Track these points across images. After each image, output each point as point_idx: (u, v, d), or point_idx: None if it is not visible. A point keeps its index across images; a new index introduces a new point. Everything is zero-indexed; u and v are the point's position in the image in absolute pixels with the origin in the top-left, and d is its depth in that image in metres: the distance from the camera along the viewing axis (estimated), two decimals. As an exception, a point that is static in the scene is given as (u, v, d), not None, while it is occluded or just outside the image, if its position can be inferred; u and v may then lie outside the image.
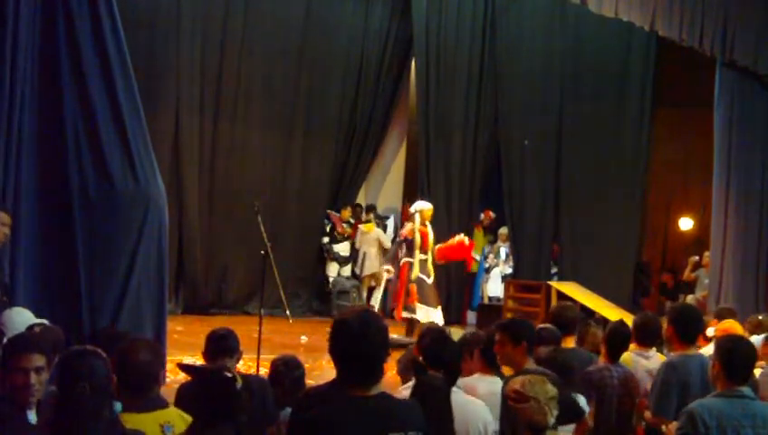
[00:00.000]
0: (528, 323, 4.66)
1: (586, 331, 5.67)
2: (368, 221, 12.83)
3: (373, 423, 2.71)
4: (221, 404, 2.99)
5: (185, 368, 3.39)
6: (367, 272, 12.56)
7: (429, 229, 10.05)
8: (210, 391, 3.03)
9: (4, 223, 5.14)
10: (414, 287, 9.74)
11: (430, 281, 9.96)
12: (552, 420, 3.49)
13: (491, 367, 4.53)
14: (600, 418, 4.81)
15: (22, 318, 4.52)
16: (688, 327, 4.75)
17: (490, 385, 4.32)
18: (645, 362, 5.27)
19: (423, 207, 10.09)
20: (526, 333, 4.51)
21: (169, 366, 6.75)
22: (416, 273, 9.79)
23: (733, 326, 5.58)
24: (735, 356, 3.82)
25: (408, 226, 9.99)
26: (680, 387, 4.52)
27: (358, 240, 12.78)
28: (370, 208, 13.26)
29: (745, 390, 3.79)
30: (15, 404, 3.26)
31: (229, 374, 3.10)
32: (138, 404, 3.29)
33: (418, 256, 9.85)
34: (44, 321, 4.52)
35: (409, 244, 9.86)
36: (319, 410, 2.71)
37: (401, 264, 9.91)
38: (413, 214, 10.06)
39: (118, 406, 3.10)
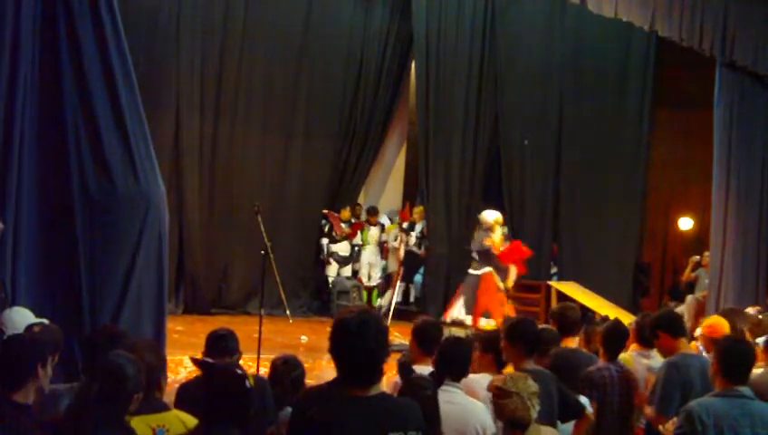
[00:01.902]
0: (530, 323, 4.67)
1: (593, 331, 5.68)
2: (378, 224, 13.17)
3: (373, 423, 2.72)
4: (230, 402, 2.98)
5: (197, 362, 3.37)
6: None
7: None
8: (219, 387, 3.02)
9: None
10: (504, 297, 9.85)
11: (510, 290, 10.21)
12: (534, 415, 3.54)
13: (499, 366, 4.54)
14: (602, 417, 4.82)
15: (21, 318, 4.52)
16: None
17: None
18: (646, 361, 5.28)
19: (498, 217, 10.17)
20: (527, 332, 4.52)
21: (169, 366, 6.77)
22: (498, 281, 9.90)
23: (719, 322, 5.57)
24: (733, 356, 3.83)
25: (493, 236, 10.02)
26: (682, 387, 4.53)
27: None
28: (373, 211, 13.23)
29: (744, 389, 3.79)
30: (16, 404, 3.26)
31: (239, 372, 3.09)
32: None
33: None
34: (44, 320, 4.52)
35: (489, 253, 9.92)
36: (319, 410, 2.71)
37: (483, 274, 9.90)
38: (491, 224, 10.07)
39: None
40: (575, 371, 4.82)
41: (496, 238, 9.94)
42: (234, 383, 3.01)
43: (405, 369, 3.79)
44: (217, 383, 3.04)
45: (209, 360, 3.92)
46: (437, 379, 3.91)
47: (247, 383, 3.02)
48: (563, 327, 5.43)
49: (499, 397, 3.57)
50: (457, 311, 9.79)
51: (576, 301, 10.63)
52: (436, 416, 3.52)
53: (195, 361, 3.39)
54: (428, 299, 12.89)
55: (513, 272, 10.07)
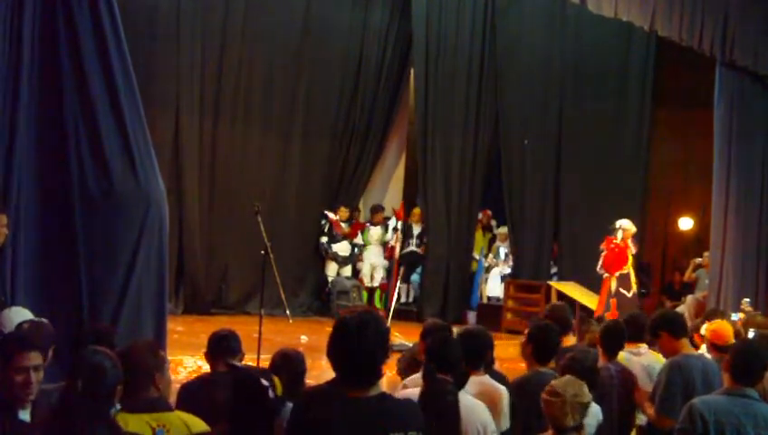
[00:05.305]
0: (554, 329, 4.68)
1: (587, 329, 5.68)
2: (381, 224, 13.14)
3: (373, 423, 2.71)
4: (252, 409, 2.95)
5: (231, 366, 3.35)
6: None
7: (631, 245, 10.43)
8: (240, 392, 2.99)
9: (2, 224, 5.15)
10: (615, 302, 9.99)
11: (630, 294, 10.31)
12: (571, 423, 3.57)
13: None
14: (602, 416, 4.81)
15: (20, 318, 4.51)
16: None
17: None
18: (637, 358, 5.29)
19: (627, 226, 10.39)
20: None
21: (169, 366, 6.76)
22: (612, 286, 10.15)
23: (722, 326, 5.58)
24: (743, 357, 3.85)
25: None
26: (684, 387, 4.54)
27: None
28: (377, 208, 13.19)
29: (750, 390, 3.81)
30: (5, 403, 3.24)
31: (266, 383, 3.06)
32: (129, 404, 3.25)
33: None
34: (43, 320, 4.50)
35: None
36: (319, 411, 2.70)
37: (603, 278, 10.19)
38: (616, 230, 10.18)
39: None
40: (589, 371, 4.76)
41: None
42: (254, 393, 2.99)
43: (429, 371, 3.73)
44: (237, 390, 3.01)
45: (238, 364, 3.90)
46: (458, 381, 3.87)
47: (271, 394, 3.00)
48: (560, 326, 5.40)
49: (548, 394, 3.67)
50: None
51: (576, 301, 10.67)
52: (456, 421, 3.51)
53: (230, 366, 3.35)
54: (426, 300, 12.87)
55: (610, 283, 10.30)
